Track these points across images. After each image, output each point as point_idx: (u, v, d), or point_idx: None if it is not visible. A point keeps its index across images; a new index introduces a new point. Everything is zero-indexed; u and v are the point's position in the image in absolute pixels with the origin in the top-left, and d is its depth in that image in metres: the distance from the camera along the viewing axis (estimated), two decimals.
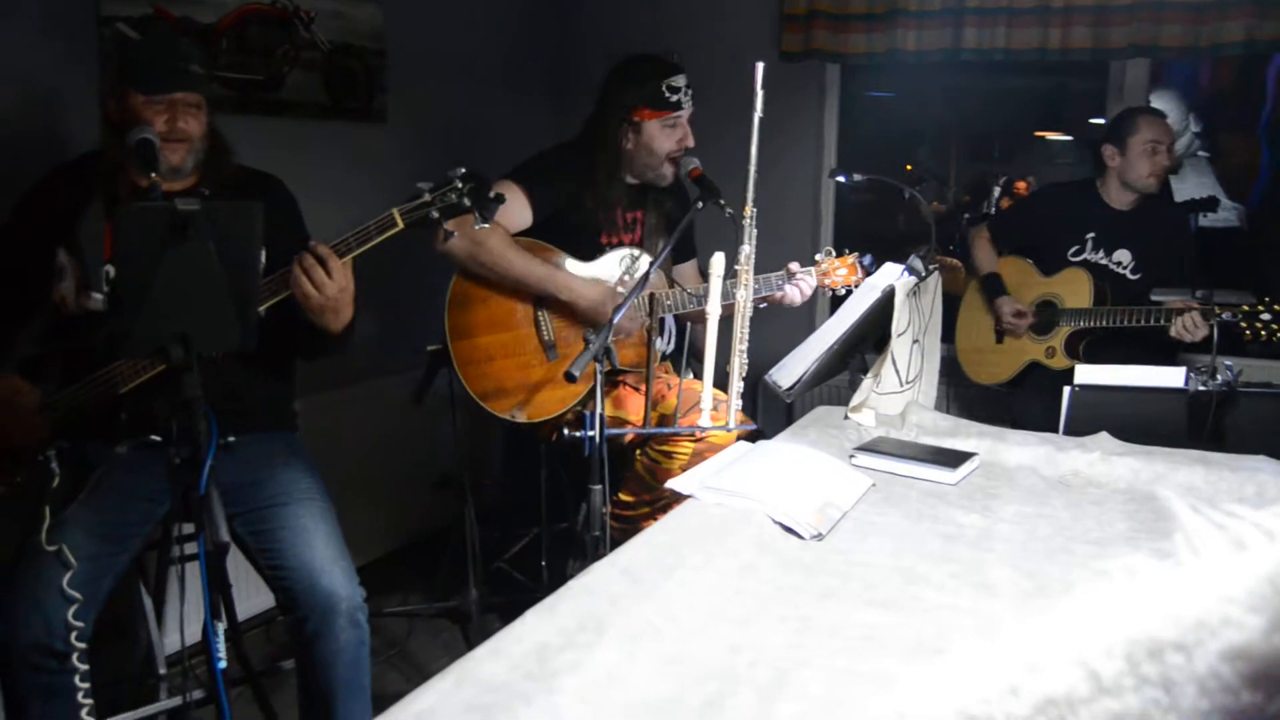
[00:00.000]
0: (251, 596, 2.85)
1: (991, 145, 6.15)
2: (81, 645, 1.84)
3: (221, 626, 1.62)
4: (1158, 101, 4.15)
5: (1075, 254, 3.27)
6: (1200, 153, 4.99)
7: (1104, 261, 3.24)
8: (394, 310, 3.40)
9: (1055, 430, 2.42)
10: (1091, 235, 3.25)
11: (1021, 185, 5.76)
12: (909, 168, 5.87)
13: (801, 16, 3.77)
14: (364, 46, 3.33)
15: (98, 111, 2.30)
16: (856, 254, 2.64)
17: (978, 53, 3.50)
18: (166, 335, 1.59)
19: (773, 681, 1.25)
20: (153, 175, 1.89)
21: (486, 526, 3.16)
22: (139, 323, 1.58)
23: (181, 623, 1.82)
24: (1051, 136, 6.10)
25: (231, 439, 1.60)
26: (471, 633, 3.05)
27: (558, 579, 3.20)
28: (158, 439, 1.98)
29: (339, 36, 3.24)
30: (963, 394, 3.60)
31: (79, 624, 1.84)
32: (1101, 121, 3.66)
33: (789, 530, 1.73)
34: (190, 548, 1.91)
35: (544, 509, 3.19)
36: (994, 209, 5.51)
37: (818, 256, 2.64)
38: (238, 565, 2.10)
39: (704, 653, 1.30)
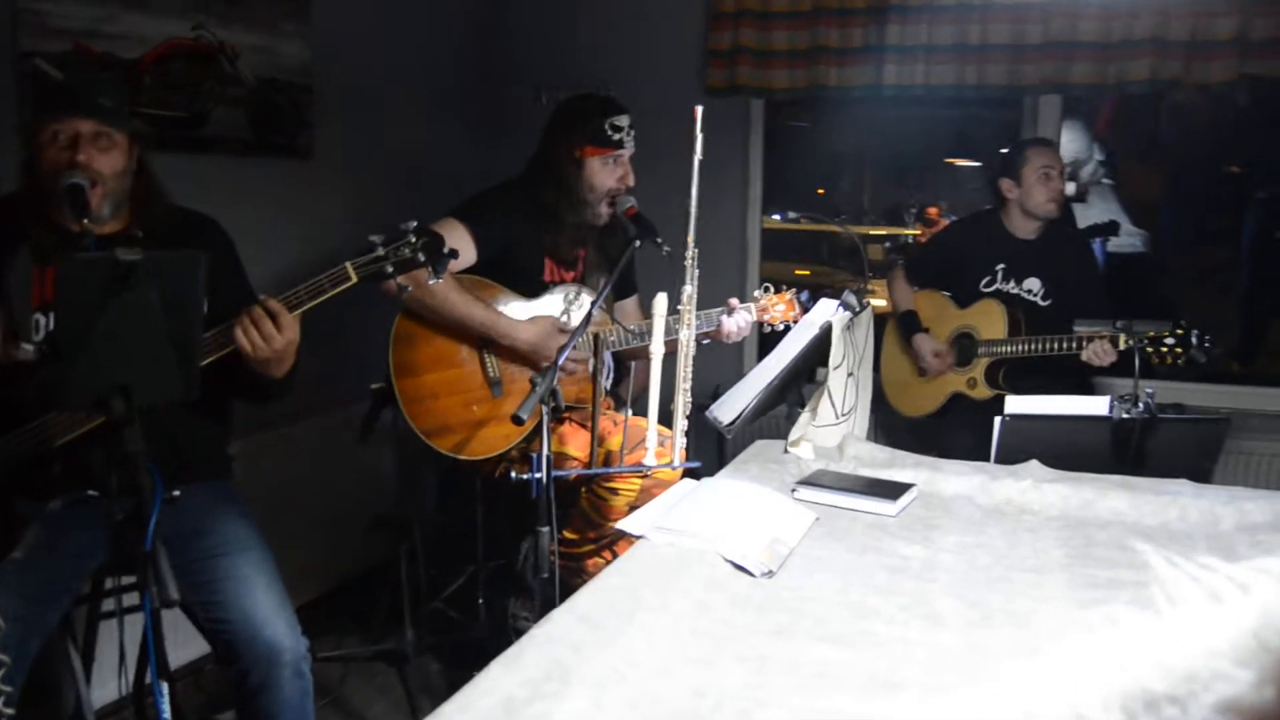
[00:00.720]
0: (179, 646, 2.77)
1: (903, 172, 6.31)
2: (10, 711, 1.77)
3: (166, 687, 1.58)
4: (1066, 131, 4.31)
5: (987, 285, 3.37)
6: (1105, 180, 5.19)
7: (1015, 290, 3.35)
8: (328, 347, 3.35)
9: (984, 458, 2.49)
10: (1001, 266, 3.35)
11: (933, 211, 5.94)
12: (819, 191, 6.00)
13: (726, 52, 3.84)
14: (290, 81, 3.29)
15: (17, 151, 2.23)
16: (794, 290, 2.70)
17: (898, 89, 3.61)
18: (106, 387, 1.56)
19: None
20: (84, 222, 1.85)
21: (421, 565, 3.12)
22: (78, 375, 1.54)
23: (122, 674, 1.76)
24: (961, 163, 6.29)
25: (177, 493, 1.57)
26: (409, 675, 3.00)
27: (496, 618, 3.17)
28: (94, 494, 1.93)
29: (265, 72, 3.20)
30: (887, 422, 3.68)
31: (7, 689, 1.76)
32: None
33: (739, 568, 1.76)
34: (123, 600, 1.85)
35: (481, 546, 3.17)
36: (910, 237, 5.67)
37: (755, 293, 2.70)
38: (166, 614, 2.03)
39: (668, 696, 1.32)
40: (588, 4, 4.17)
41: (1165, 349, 2.78)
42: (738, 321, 2.63)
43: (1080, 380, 3.29)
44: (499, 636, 2.88)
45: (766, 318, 2.69)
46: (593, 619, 1.49)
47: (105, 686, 2.66)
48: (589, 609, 1.52)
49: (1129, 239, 4.98)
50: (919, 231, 5.72)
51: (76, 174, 1.91)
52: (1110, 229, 4.84)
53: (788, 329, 2.68)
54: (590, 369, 2.65)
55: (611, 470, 2.39)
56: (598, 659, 1.36)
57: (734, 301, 2.64)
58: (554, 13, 4.22)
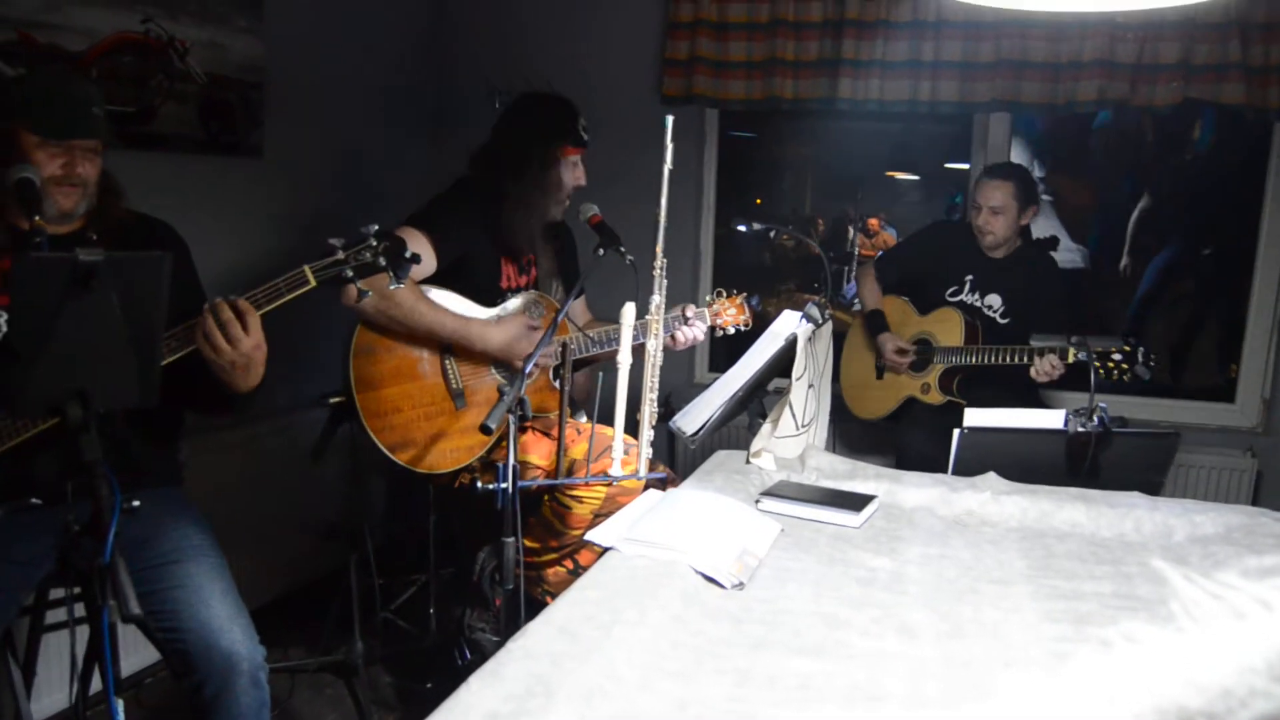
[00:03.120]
0: (120, 659, 2.67)
1: (846, 184, 6.37)
2: None
3: (121, 705, 1.52)
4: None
5: (953, 294, 3.41)
6: (1044, 196, 5.30)
7: (978, 304, 3.39)
8: (278, 352, 3.27)
9: (936, 459, 2.52)
10: (970, 278, 3.39)
11: (874, 222, 6.02)
12: (759, 201, 6.04)
13: (682, 62, 3.85)
14: (240, 79, 3.22)
15: None
16: (744, 295, 2.72)
17: (852, 103, 3.65)
18: (63, 393, 1.50)
19: None
20: (35, 219, 1.78)
21: (371, 574, 3.06)
22: (33, 379, 1.48)
23: (73, 686, 1.69)
24: (900, 176, 6.38)
25: (136, 503, 1.51)
26: (358, 686, 2.94)
27: (447, 628, 3.13)
28: (37, 502, 1.86)
29: (215, 68, 3.12)
30: (847, 430, 3.71)
31: None
32: (957, 166, 3.84)
33: (711, 580, 1.75)
34: (74, 610, 1.78)
35: (433, 555, 3.12)
36: (854, 248, 5.73)
37: (708, 298, 2.71)
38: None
39: (652, 710, 1.30)
40: (544, 9, 4.14)
41: (1113, 364, 2.85)
42: (693, 329, 2.65)
43: (1032, 392, 3.35)
44: (451, 647, 2.84)
45: (719, 322, 2.70)
46: (570, 631, 1.46)
47: (40, 701, 2.56)
48: (566, 621, 1.50)
49: (1068, 254, 5.09)
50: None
51: (27, 168, 1.85)
52: (1050, 244, 4.94)
53: (739, 333, 2.71)
54: (550, 376, 2.63)
55: (575, 480, 2.36)
56: (579, 673, 1.34)
57: (689, 310, 2.65)
58: (508, 16, 4.19)
